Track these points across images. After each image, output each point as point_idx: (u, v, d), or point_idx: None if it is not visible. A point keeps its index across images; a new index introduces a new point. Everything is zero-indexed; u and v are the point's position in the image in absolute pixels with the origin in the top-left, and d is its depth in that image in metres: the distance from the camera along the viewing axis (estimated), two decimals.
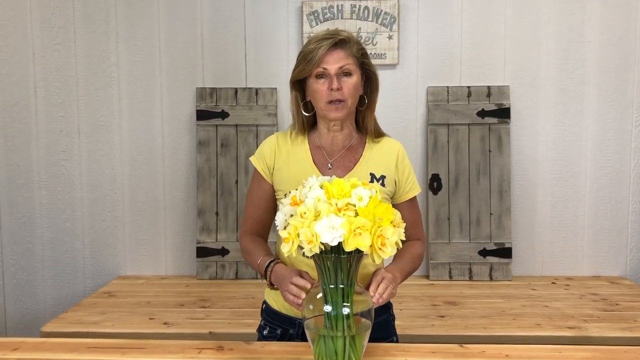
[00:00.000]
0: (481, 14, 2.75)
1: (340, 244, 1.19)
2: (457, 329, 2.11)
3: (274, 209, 1.62)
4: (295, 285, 1.36)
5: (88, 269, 2.87)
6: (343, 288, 1.27)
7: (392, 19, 2.72)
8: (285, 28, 2.78)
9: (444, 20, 2.76)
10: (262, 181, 1.61)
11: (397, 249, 1.24)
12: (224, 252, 2.77)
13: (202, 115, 2.78)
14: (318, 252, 1.20)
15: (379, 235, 1.20)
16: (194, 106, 2.81)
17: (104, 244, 2.87)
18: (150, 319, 2.23)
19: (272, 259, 1.51)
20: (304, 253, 1.22)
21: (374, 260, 1.23)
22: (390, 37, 2.74)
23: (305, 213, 1.22)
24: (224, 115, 2.77)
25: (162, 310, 2.33)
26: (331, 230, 1.17)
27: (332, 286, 1.27)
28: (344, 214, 1.20)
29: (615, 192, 2.78)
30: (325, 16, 2.73)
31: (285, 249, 1.23)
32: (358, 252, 1.23)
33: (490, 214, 2.74)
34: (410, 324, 2.14)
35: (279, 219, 1.29)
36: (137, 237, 2.87)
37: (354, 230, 1.18)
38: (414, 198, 1.64)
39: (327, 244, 1.19)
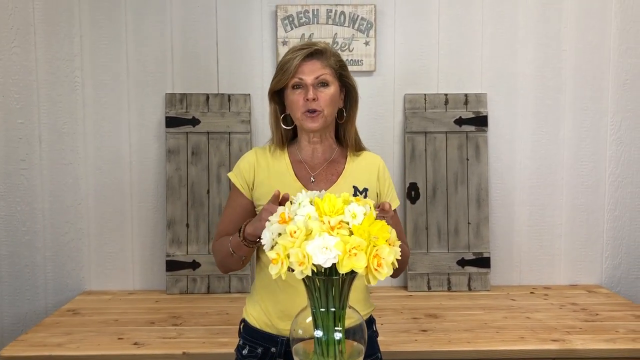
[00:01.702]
0: (458, 21, 2.71)
1: (332, 265, 1.11)
2: (441, 344, 2.04)
3: None
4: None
5: (50, 285, 2.71)
6: (334, 311, 1.19)
7: (369, 25, 2.66)
8: (259, 32, 2.69)
9: (421, 26, 2.71)
10: (240, 197, 1.57)
11: (394, 269, 1.17)
12: (194, 265, 2.65)
13: (172, 122, 2.66)
14: (310, 274, 1.11)
15: (375, 255, 1.12)
16: (163, 113, 2.69)
17: (67, 258, 2.71)
18: (119, 338, 2.10)
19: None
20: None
21: (369, 282, 1.15)
22: (366, 43, 2.67)
23: (295, 232, 1.13)
24: (194, 122, 2.66)
25: (132, 329, 2.20)
26: (324, 251, 1.09)
27: (322, 309, 1.19)
28: (337, 233, 1.12)
29: (591, 200, 2.78)
30: (301, 21, 2.65)
31: (274, 271, 1.15)
32: (351, 273, 1.15)
33: (469, 223, 2.70)
34: (392, 339, 2.07)
35: (266, 237, 1.20)
36: (103, 251, 2.72)
37: (349, 251, 1.10)
38: (395, 211, 1.60)
39: (318, 265, 1.11)
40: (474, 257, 2.69)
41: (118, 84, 2.68)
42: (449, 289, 2.69)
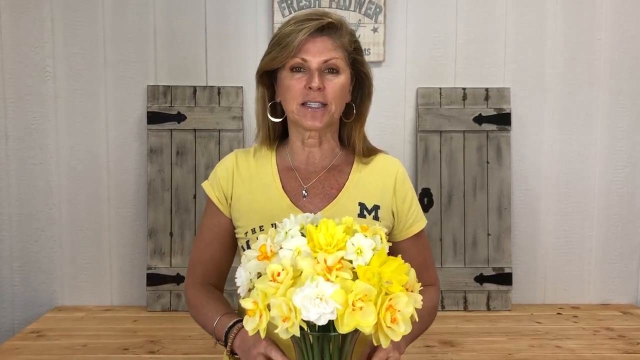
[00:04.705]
0: (479, 6, 2.41)
1: (331, 320, 0.82)
2: None
3: (233, 249, 1.24)
4: None
5: (17, 299, 2.43)
6: None
7: (378, 9, 2.36)
8: (253, 17, 2.39)
9: (437, 12, 2.41)
10: (218, 215, 1.23)
11: (413, 322, 0.87)
12: (178, 279, 2.36)
13: (154, 118, 2.37)
14: (298, 333, 0.81)
15: (388, 307, 0.82)
16: (144, 107, 2.40)
17: (37, 269, 2.43)
18: None
19: (237, 319, 1.11)
20: None
21: (378, 342, 0.85)
22: (375, 30, 2.37)
23: (279, 274, 0.83)
24: (180, 118, 2.37)
25: (101, 357, 1.91)
26: (318, 304, 0.79)
27: None
28: (337, 277, 0.82)
29: (627, 209, 2.48)
30: (300, 4, 2.35)
31: (250, 326, 0.85)
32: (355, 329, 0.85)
33: (488, 234, 2.40)
34: None
35: (242, 277, 0.90)
36: (77, 262, 2.44)
37: (353, 304, 0.79)
38: (421, 232, 1.28)
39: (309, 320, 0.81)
40: (493, 273, 2.39)
41: (94, 74, 2.40)
42: (465, 309, 2.39)
